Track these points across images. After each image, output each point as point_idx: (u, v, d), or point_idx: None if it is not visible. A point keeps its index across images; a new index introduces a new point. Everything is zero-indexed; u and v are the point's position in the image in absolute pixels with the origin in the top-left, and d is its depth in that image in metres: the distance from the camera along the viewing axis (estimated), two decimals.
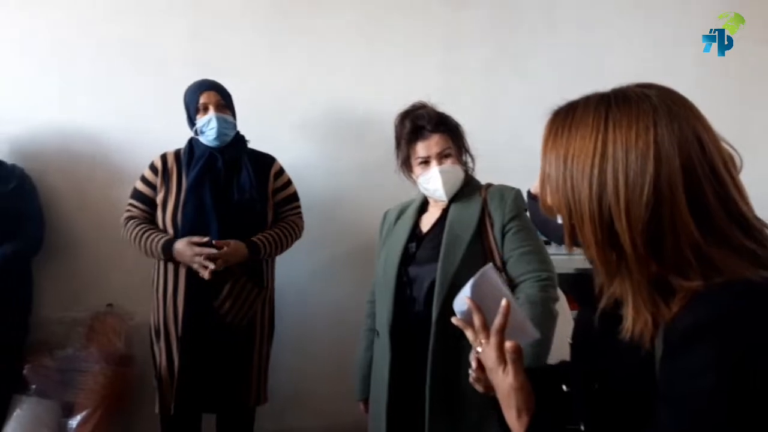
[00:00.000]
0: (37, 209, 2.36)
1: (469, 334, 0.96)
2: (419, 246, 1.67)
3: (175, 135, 2.22)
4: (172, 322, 2.07)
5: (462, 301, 0.98)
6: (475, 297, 0.95)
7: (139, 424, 2.41)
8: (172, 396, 2.06)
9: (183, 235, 2.03)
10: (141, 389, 2.32)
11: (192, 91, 2.14)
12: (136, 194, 2.16)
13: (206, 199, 2.04)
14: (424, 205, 1.78)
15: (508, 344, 0.88)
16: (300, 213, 2.31)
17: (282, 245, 2.19)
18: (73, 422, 2.18)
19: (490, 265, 1.01)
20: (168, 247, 2.01)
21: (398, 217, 1.81)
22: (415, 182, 1.75)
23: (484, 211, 1.63)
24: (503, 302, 0.91)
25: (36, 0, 2.45)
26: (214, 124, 2.07)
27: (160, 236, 2.04)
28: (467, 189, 1.71)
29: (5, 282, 2.20)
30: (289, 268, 2.42)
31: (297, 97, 2.60)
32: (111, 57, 2.49)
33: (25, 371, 2.21)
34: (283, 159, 2.31)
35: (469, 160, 1.78)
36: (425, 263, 1.62)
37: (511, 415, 0.88)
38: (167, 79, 2.46)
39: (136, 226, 2.09)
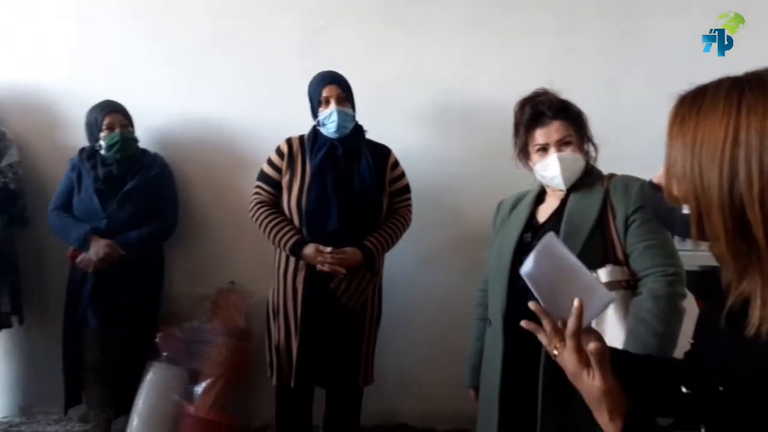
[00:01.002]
0: (174, 196, 2.58)
1: (541, 337, 0.92)
2: (535, 236, 1.63)
3: (292, 124, 2.33)
4: (291, 301, 2.19)
5: (529, 266, 0.96)
6: (540, 269, 0.91)
7: (256, 395, 2.58)
8: (291, 370, 2.19)
9: (307, 220, 2.15)
10: (258, 363, 2.47)
11: (315, 84, 2.22)
12: (263, 177, 2.28)
13: (328, 186, 2.15)
14: (541, 195, 1.74)
15: (591, 346, 0.83)
16: (410, 205, 2.37)
17: (392, 243, 2.28)
18: (198, 389, 2.35)
19: (551, 233, 0.97)
20: (296, 249, 2.14)
21: (513, 207, 1.77)
22: (532, 170, 1.70)
23: (606, 202, 1.56)
24: (575, 303, 0.86)
25: (169, 3, 2.67)
26: (334, 117, 2.15)
27: (289, 234, 2.15)
28: (588, 179, 1.64)
29: (142, 260, 2.43)
30: (397, 255, 2.46)
31: (406, 87, 2.62)
32: (235, 52, 2.66)
33: (157, 340, 2.42)
34: (393, 148, 2.35)
35: (591, 149, 1.70)
36: None
37: (602, 417, 0.84)
38: (283, 71, 2.60)
39: (267, 215, 2.21)
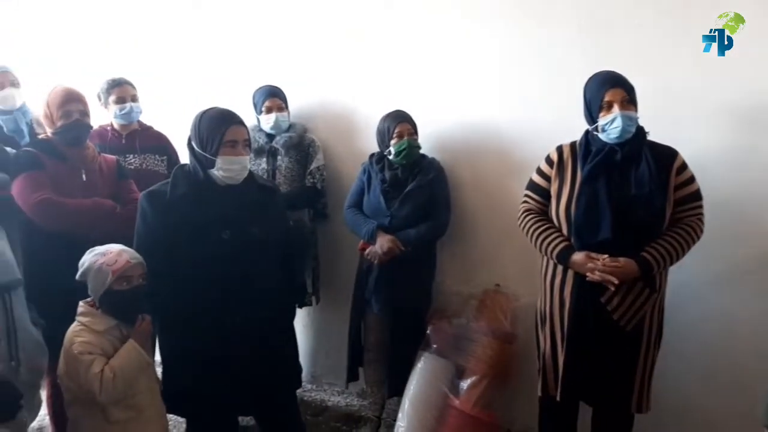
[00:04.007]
0: (447, 198, 2.72)
1: None
2: None
3: (566, 129, 2.24)
4: (557, 311, 2.14)
5: None
6: None
7: (519, 401, 2.59)
8: (555, 383, 2.14)
9: (576, 228, 2.05)
10: (522, 369, 2.47)
11: (596, 86, 2.07)
12: (532, 186, 2.26)
13: (600, 192, 2.01)
14: None
15: None
16: (701, 214, 2.08)
17: (677, 256, 2.02)
18: (464, 384, 2.43)
19: None
20: (564, 257, 2.07)
21: None
22: None
23: None
24: None
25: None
26: (618, 123, 1.98)
27: (557, 241, 2.10)
28: None
29: (418, 255, 2.62)
30: (684, 270, 2.22)
31: (703, 87, 2.32)
32: (514, 57, 2.65)
33: (428, 331, 2.58)
34: (685, 152, 2.10)
35: None
36: None
37: None
38: (560, 77, 2.51)
39: (535, 222, 2.19)
